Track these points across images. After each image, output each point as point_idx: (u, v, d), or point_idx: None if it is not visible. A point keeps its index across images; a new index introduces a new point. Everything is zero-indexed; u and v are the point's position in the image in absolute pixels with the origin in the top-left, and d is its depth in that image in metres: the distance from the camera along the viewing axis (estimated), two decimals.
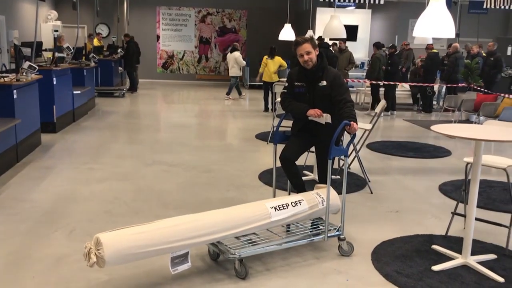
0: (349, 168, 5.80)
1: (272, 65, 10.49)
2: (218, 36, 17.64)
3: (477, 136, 3.13)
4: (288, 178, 3.89)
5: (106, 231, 2.80)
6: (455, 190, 5.17)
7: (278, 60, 10.53)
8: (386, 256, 3.49)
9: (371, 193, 5.03)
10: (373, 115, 5.66)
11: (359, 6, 15.55)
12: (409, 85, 12.12)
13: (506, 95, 9.30)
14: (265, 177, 5.47)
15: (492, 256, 3.49)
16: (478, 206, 4.36)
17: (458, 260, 3.37)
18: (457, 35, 15.48)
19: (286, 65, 11.00)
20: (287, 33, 8.92)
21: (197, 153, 6.61)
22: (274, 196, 3.82)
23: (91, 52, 10.61)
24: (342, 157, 3.59)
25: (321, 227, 3.62)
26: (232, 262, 3.26)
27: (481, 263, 3.36)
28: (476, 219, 3.44)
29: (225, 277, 3.13)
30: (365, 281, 3.14)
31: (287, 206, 3.38)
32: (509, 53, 11.15)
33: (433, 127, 3.34)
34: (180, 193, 4.84)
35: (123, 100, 11.98)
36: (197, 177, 5.40)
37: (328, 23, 4.89)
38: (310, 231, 3.55)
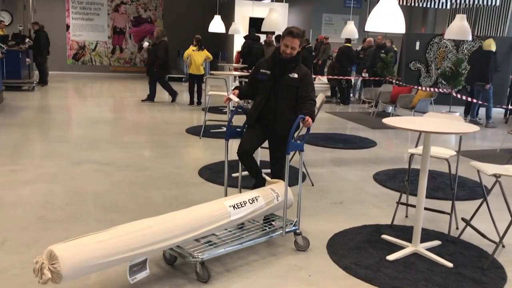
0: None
1: (199, 57, 10.28)
2: (133, 26, 16.96)
3: (426, 128, 3.26)
4: (248, 171, 3.80)
5: (58, 242, 2.53)
6: (389, 179, 5.40)
7: (205, 52, 10.35)
8: (341, 248, 3.54)
9: (312, 185, 5.10)
10: None
11: None
12: (327, 78, 12.51)
13: (419, 87, 9.92)
14: (205, 173, 5.33)
15: (437, 243, 3.68)
16: (411, 194, 4.60)
17: (409, 249, 3.50)
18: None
19: (212, 58, 10.86)
20: (216, 25, 8.76)
21: (127, 150, 6.28)
22: (226, 195, 3.71)
23: None
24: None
25: (274, 223, 3.60)
26: (191, 266, 3.12)
27: (429, 249, 3.53)
28: (425, 208, 3.59)
29: (186, 282, 2.98)
30: (327, 275, 3.15)
31: (245, 204, 3.29)
32: (417, 47, 11.88)
33: (385, 120, 3.42)
34: (118, 194, 4.56)
35: (33, 94, 11.09)
36: (134, 176, 5.13)
37: (267, 16, 4.87)
38: (267, 228, 3.50)
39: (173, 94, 10.75)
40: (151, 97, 10.66)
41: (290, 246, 3.55)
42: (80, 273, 2.50)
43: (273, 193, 3.52)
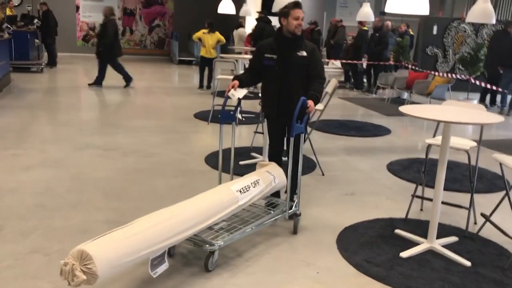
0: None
1: (210, 40, 10.02)
2: (143, 8, 16.71)
3: (446, 118, 3.03)
4: None
5: (86, 241, 2.33)
6: (403, 169, 5.18)
7: (217, 35, 10.09)
8: (352, 243, 3.36)
9: (323, 175, 4.90)
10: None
11: None
12: (341, 62, 12.20)
13: (436, 73, 9.60)
14: (212, 160, 5.15)
15: (454, 239, 3.47)
16: (428, 186, 4.38)
17: (424, 245, 3.30)
18: (383, 13, 15.85)
19: (225, 41, 10.61)
20: (227, 6, 8.49)
21: (133, 135, 6.12)
22: (220, 182, 3.56)
23: (3, 22, 9.52)
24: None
25: (275, 206, 3.58)
26: (189, 256, 2.96)
27: (446, 246, 3.33)
28: (442, 202, 3.38)
29: (200, 270, 2.83)
30: (336, 273, 2.97)
31: (249, 188, 3.24)
32: (435, 32, 11.50)
33: (401, 108, 3.20)
34: (121, 181, 4.40)
35: (42, 76, 10.97)
36: (139, 163, 4.97)
37: None
38: (272, 211, 3.46)
39: (128, 78, 9.96)
40: (98, 81, 9.77)
41: (297, 241, 3.37)
42: (114, 272, 2.36)
43: (270, 175, 3.48)
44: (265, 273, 2.92)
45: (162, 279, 2.78)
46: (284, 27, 3.54)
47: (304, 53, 3.52)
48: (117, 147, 5.49)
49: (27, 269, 2.81)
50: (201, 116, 7.42)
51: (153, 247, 2.52)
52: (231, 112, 3.59)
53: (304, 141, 3.74)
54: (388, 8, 3.06)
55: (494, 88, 9.00)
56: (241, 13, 10.29)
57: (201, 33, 10.04)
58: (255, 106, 8.64)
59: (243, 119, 7.27)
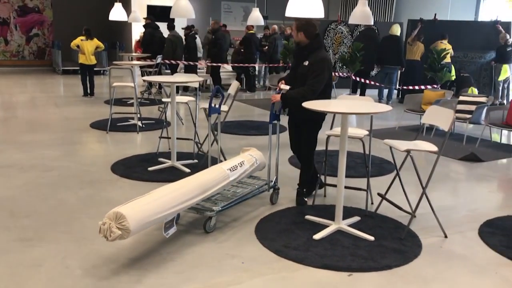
0: (204, 152, 5.77)
1: (89, 47, 9.82)
2: (18, 16, 15.61)
3: (345, 110, 3.38)
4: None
5: (118, 206, 2.97)
6: None
7: (95, 41, 9.93)
8: (269, 232, 3.58)
9: None
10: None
11: None
12: (232, 66, 12.52)
13: None
14: (119, 169, 5.08)
15: (357, 218, 3.86)
16: (326, 174, 4.78)
17: (333, 227, 3.64)
18: (266, 17, 16.55)
19: (104, 47, 10.42)
20: (118, 13, 8.34)
21: (28, 150, 5.79)
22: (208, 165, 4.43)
23: None
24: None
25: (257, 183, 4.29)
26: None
27: (351, 225, 3.70)
28: (345, 187, 3.74)
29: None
30: (260, 260, 3.17)
31: (236, 167, 3.93)
32: None
33: (305, 104, 3.50)
34: (26, 198, 4.19)
35: None
36: (40, 178, 4.74)
37: (176, 3, 4.70)
38: (256, 185, 4.17)
39: None
40: None
41: (219, 237, 3.52)
42: (142, 228, 2.98)
43: (252, 157, 4.23)
44: (193, 270, 3.02)
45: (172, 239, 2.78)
46: None
47: (306, 63, 3.83)
48: (12, 164, 5.17)
49: None
50: (98, 125, 7.22)
51: (169, 210, 3.16)
52: (217, 106, 4.41)
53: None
54: (288, 13, 3.33)
55: (368, 81, 9.95)
56: (130, 20, 10.16)
57: (79, 40, 9.83)
58: (152, 111, 8.59)
59: (143, 125, 7.21)
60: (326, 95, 3.92)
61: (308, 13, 3.24)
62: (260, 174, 4.57)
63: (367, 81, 10.07)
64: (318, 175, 4.29)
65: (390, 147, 3.73)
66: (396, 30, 10.27)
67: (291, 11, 3.32)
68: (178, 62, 10.75)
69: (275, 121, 4.08)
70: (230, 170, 3.83)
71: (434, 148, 3.61)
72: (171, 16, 4.93)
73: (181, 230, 3.58)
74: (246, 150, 4.39)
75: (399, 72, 10.64)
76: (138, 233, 3.08)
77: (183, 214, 3.80)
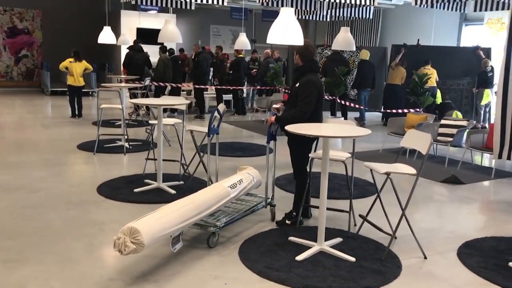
0: (190, 173, 5.82)
1: (78, 68, 9.93)
2: (7, 38, 15.68)
3: (326, 133, 3.48)
4: None
5: (132, 221, 3.12)
6: (288, 183, 5.64)
7: (84, 63, 10.04)
8: (252, 253, 3.63)
9: None
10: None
11: (163, 10, 15.62)
12: (215, 88, 12.62)
13: None
14: (105, 190, 5.11)
15: (339, 240, 3.93)
16: (311, 196, 4.85)
17: (315, 248, 3.70)
18: (254, 41, 16.81)
19: (92, 69, 10.52)
20: (107, 36, 8.46)
21: (13, 171, 5.80)
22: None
23: None
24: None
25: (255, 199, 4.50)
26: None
27: (333, 247, 3.76)
28: (328, 208, 3.82)
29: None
30: (242, 281, 3.22)
31: (236, 185, 4.09)
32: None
33: (288, 128, 3.59)
34: (10, 219, 4.20)
35: None
36: (25, 199, 4.76)
37: (164, 28, 4.82)
38: (254, 202, 4.38)
39: None
40: None
41: (202, 257, 3.56)
42: (154, 242, 3.13)
43: (250, 176, 4.40)
44: None
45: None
46: None
47: (297, 85, 4.00)
48: None
49: None
50: (85, 147, 7.25)
51: (178, 225, 3.32)
52: (216, 127, 4.59)
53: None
54: (270, 39, 3.45)
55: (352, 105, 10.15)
56: (119, 43, 10.30)
57: (67, 62, 9.94)
58: (139, 133, 8.64)
59: (130, 147, 7.26)
60: (317, 116, 4.06)
61: (288, 40, 3.36)
62: (256, 191, 4.71)
63: (343, 102, 10.28)
64: (309, 209, 4.46)
65: (371, 170, 3.83)
66: (366, 55, 10.69)
67: (272, 38, 3.44)
68: (167, 84, 10.86)
69: (272, 140, 4.31)
70: (231, 187, 4.01)
71: (412, 170, 3.71)
72: (159, 40, 5.05)
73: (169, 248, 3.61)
74: (243, 169, 4.55)
75: (368, 93, 10.88)
76: (151, 247, 3.28)
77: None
